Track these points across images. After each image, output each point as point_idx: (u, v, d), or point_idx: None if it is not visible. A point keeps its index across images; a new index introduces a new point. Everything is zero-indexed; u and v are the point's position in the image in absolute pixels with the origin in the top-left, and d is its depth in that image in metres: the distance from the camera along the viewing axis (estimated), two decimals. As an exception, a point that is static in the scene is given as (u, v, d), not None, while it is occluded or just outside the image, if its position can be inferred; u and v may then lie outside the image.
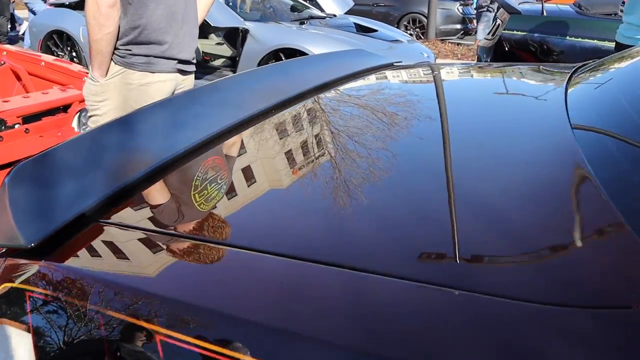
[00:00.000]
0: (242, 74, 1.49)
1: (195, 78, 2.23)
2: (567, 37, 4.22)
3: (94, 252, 0.73)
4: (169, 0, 1.91)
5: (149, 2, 1.86)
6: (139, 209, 0.85)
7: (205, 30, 5.02)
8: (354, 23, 6.27)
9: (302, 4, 6.63)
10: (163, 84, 1.98)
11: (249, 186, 0.92)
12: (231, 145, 1.10)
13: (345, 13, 6.92)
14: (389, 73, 1.91)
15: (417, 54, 5.66)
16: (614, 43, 3.94)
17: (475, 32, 11.13)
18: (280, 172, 0.99)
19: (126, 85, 1.92)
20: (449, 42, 10.34)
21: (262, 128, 1.20)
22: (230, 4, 5.54)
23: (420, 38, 10.25)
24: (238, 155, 1.08)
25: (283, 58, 5.08)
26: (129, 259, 0.71)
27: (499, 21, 4.78)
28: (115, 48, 1.87)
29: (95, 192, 0.82)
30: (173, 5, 1.94)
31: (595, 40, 4.12)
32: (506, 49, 4.52)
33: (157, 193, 0.90)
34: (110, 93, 1.92)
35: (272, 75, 1.53)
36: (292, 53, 5.05)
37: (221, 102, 1.26)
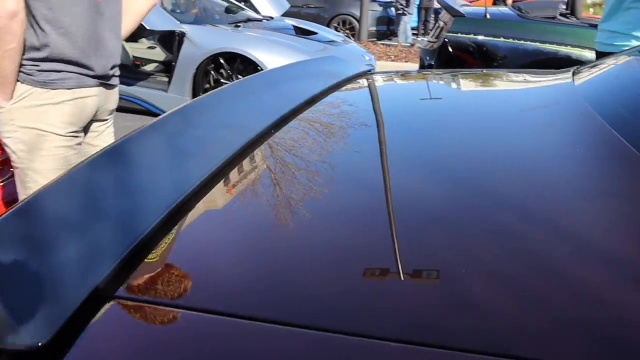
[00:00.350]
0: (226, 88, 1.31)
1: (126, 84, 2.00)
2: (510, 40, 4.28)
3: (119, 345, 0.55)
4: (84, 6, 1.61)
5: (62, 11, 1.55)
6: (163, 273, 0.67)
7: (138, 33, 4.72)
8: (292, 25, 6.13)
9: (236, 5, 6.41)
10: (83, 102, 1.67)
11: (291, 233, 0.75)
12: (245, 173, 0.93)
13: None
14: (368, 83, 1.79)
15: (358, 56, 5.61)
16: (557, 46, 4.04)
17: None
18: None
19: (39, 107, 1.58)
20: (381, 44, 10.44)
21: (271, 150, 1.04)
22: (163, 5, 5.23)
23: (351, 39, 10.27)
24: (258, 186, 0.91)
25: (223, 62, 4.86)
26: (168, 355, 0.54)
27: (441, 23, 4.79)
28: (21, 65, 1.53)
29: (106, 254, 0.63)
30: (94, 14, 1.64)
31: (536, 43, 4.21)
32: (450, 51, 4.53)
33: (182, 247, 0.71)
34: (21, 119, 1.57)
35: (259, 89, 1.36)
36: (233, 57, 4.84)
37: (217, 123, 1.08)
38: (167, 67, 5.38)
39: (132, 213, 0.72)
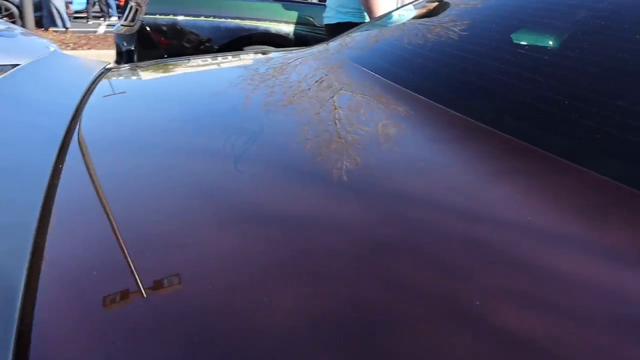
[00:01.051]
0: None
1: None
2: (211, 19, 4.25)
3: None
4: None
5: None
6: None
7: None
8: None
9: None
10: None
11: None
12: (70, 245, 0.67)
13: None
14: (120, 80, 1.54)
15: (42, 47, 4.88)
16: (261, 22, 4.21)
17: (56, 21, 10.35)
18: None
19: None
20: (53, 31, 9.37)
21: (78, 200, 0.78)
22: None
23: (19, 27, 8.92)
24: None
25: None
26: None
27: (134, 4, 4.46)
28: None
29: None
30: None
31: (237, 20, 4.28)
32: (150, 35, 4.28)
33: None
34: None
35: (6, 109, 1.01)
36: None
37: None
38: None
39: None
